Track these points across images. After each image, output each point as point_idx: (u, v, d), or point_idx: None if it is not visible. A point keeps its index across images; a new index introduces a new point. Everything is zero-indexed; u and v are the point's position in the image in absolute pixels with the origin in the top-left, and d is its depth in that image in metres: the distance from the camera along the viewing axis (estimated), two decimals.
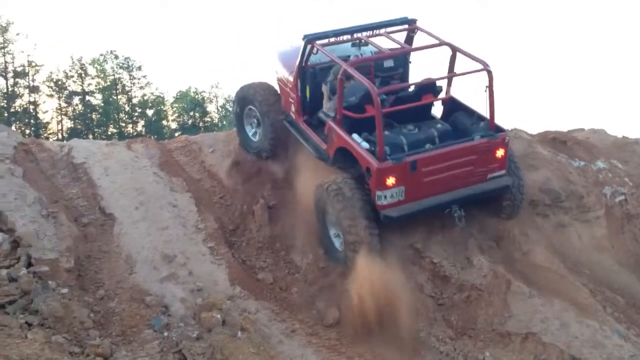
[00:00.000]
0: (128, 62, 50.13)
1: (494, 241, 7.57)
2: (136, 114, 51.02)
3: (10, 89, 45.26)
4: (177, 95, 51.64)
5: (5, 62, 45.11)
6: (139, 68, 50.32)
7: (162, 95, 51.58)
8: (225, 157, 9.31)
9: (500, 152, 7.29)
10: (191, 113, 50.97)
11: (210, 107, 52.48)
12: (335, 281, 7.46)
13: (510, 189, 7.58)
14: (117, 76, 50.13)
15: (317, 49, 7.88)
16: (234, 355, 6.01)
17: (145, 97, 50.94)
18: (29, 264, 6.52)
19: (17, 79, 45.83)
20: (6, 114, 43.95)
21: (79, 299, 6.40)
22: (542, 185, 8.68)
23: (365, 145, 7.11)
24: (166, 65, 62.40)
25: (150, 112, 51.19)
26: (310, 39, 7.92)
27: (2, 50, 44.86)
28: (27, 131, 43.04)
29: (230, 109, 50.84)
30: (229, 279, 7.32)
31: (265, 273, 7.75)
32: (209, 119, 51.28)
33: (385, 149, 6.86)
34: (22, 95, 46.21)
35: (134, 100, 50.80)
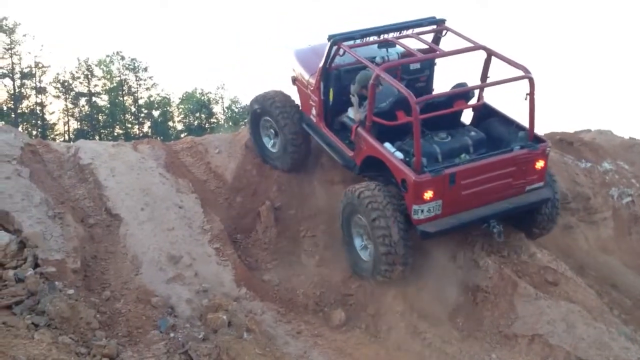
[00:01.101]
0: (134, 63, 50.35)
1: (501, 243, 7.54)
2: (142, 115, 51.22)
3: (17, 90, 45.51)
4: (183, 96, 51.80)
5: (13, 63, 45.40)
6: (145, 69, 50.57)
7: (168, 97, 51.78)
8: (231, 158, 9.31)
9: (540, 164, 7.00)
10: (197, 114, 51.11)
11: (216, 108, 52.70)
12: (342, 283, 7.48)
13: (549, 203, 7.32)
14: (123, 77, 50.33)
15: (344, 51, 7.51)
16: (240, 356, 6.01)
17: (152, 98, 51.12)
18: (36, 265, 6.52)
19: (24, 80, 46.12)
20: (13, 115, 44.21)
21: (85, 300, 6.40)
22: None
23: (400, 155, 6.80)
24: (167, 66, 62.68)
25: (156, 113, 51.37)
26: (336, 40, 7.55)
27: (9, 52, 45.12)
28: (34, 132, 43.33)
29: (236, 110, 51.00)
30: (235, 280, 7.32)
31: (271, 274, 7.75)
32: (214, 120, 51.45)
33: (422, 160, 6.55)
34: (29, 96, 46.52)
35: (140, 102, 50.99)
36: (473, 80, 7.46)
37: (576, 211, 8.80)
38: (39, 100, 46.63)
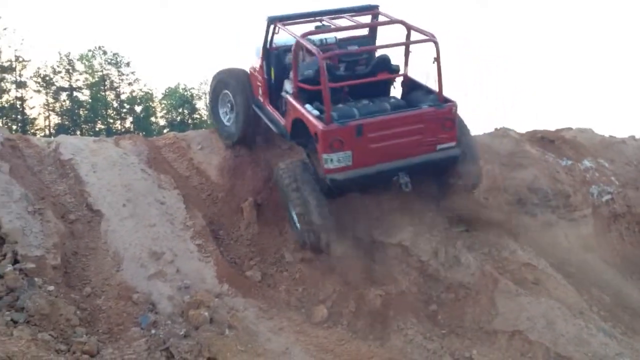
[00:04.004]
0: (116, 58, 49.86)
1: (481, 239, 7.60)
2: (124, 110, 50.76)
3: None
4: (165, 91, 51.43)
5: None
6: (128, 64, 50.07)
7: (150, 92, 51.37)
8: (214, 155, 9.28)
9: (448, 122, 7.36)
10: (180, 110, 50.81)
11: (199, 104, 52.35)
12: (324, 280, 7.49)
13: (459, 160, 7.59)
14: (105, 72, 49.84)
15: (279, 28, 8.04)
16: (222, 353, 6.00)
17: (134, 94, 50.70)
18: (15, 261, 6.46)
19: (3, 74, 45.42)
20: None
21: (65, 296, 6.36)
22: (530, 184, 8.75)
23: (316, 112, 7.22)
24: (168, 65, 62.38)
25: (138, 109, 50.96)
26: (272, 19, 8.11)
27: None
28: (14, 127, 42.69)
29: None
30: (217, 276, 7.29)
31: (253, 270, 7.73)
32: (197, 116, 51.13)
33: (332, 115, 7.01)
34: (9, 90, 45.79)
35: (122, 97, 50.55)
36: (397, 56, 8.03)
37: (556, 208, 8.88)
38: (19, 95, 45.96)
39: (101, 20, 60.59)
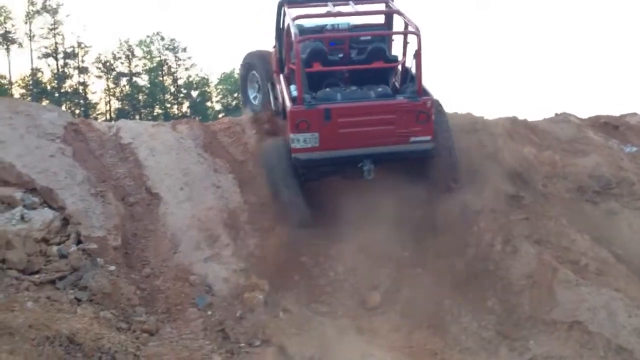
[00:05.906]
0: (174, 43, 50.71)
1: (540, 228, 7.41)
2: (181, 95, 51.67)
3: (60, 70, 46.41)
4: (221, 76, 52.04)
5: (56, 43, 46.24)
6: (184, 49, 50.86)
7: (206, 77, 52.07)
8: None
9: (422, 116, 7.25)
10: (235, 94, 51.37)
11: None
12: (377, 267, 7.46)
13: (431, 155, 7.43)
14: (163, 57, 50.78)
15: (284, 11, 8.14)
16: (276, 335, 6.08)
17: (190, 79, 51.51)
18: (79, 241, 6.69)
19: (67, 60, 46.95)
20: (57, 94, 45.15)
21: (126, 276, 6.55)
22: (591, 172, 8.47)
23: (295, 94, 7.29)
24: (223, 51, 62.84)
25: (195, 94, 51.77)
26: (282, 2, 8.28)
27: (53, 32, 45.98)
28: (77, 111, 44.14)
29: None
30: None
31: (307, 255, 7.76)
32: None
33: (306, 97, 7.10)
34: (72, 76, 47.37)
35: (179, 82, 51.43)
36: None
37: (620, 197, 8.57)
38: (81, 80, 47.53)
39: (157, 5, 61.61)
